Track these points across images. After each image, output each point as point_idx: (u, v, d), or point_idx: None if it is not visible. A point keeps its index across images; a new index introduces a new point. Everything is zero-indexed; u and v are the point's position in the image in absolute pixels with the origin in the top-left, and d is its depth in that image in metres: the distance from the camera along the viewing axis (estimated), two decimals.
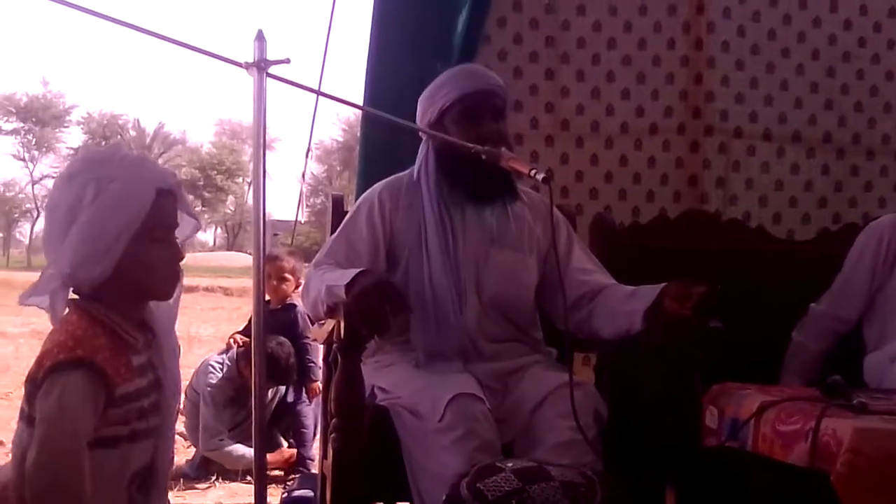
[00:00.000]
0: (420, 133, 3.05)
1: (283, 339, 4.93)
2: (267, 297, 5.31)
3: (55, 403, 1.99)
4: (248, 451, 4.82)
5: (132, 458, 2.13)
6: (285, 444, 5.27)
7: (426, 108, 3.00)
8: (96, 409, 2.02)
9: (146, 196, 2.10)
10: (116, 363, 2.07)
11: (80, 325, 2.08)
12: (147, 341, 2.20)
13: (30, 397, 2.05)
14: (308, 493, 4.13)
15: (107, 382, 2.03)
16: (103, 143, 59.46)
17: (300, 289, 3.46)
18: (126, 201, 2.08)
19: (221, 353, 5.29)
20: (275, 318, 5.14)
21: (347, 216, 3.03)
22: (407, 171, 3.06)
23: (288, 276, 5.29)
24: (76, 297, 2.13)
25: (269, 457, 4.74)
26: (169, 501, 2.33)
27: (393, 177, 3.07)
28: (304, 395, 5.23)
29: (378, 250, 2.93)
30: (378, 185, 3.05)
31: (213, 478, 4.86)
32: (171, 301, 2.25)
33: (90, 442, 2.02)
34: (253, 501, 2.58)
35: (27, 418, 2.05)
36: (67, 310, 2.12)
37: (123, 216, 2.07)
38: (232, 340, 5.31)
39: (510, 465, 2.02)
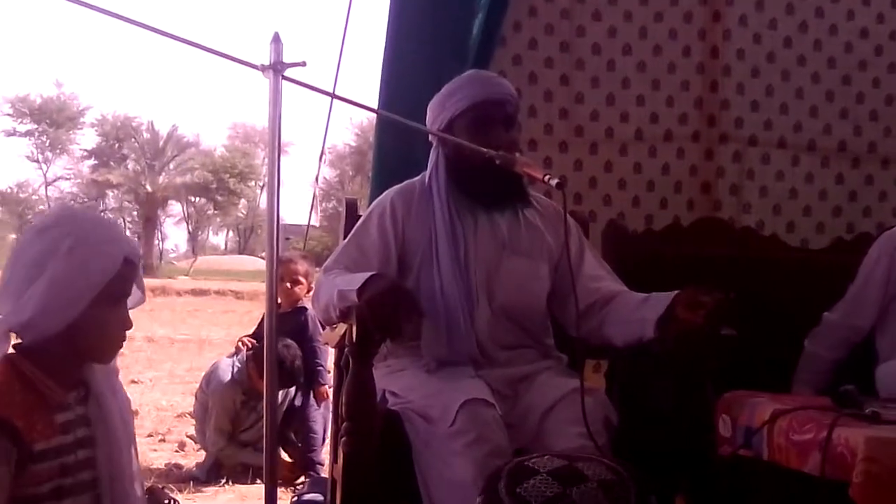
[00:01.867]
0: (431, 138, 3.05)
1: (289, 341, 4.92)
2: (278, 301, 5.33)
3: None
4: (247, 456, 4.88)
5: None
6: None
7: (436, 114, 2.99)
8: (9, 466, 2.02)
9: (115, 263, 2.14)
10: (32, 420, 2.07)
11: None
12: (79, 398, 2.21)
13: None
14: (318, 496, 4.14)
15: (18, 440, 2.03)
16: (117, 145, 59.63)
17: (311, 293, 3.46)
18: (97, 261, 2.11)
19: (230, 356, 5.30)
20: (284, 321, 5.14)
21: (359, 222, 3.03)
22: (419, 177, 3.05)
23: (301, 279, 5.29)
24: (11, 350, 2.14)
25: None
26: None
27: (405, 182, 3.06)
28: (311, 398, 5.23)
29: (389, 256, 2.93)
30: (390, 191, 3.04)
31: (223, 480, 4.86)
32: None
33: (13, 499, 2.02)
34: None
35: None
36: None
37: (93, 275, 2.10)
38: (240, 343, 5.32)
39: (542, 465, 2.00)
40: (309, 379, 5.18)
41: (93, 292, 2.10)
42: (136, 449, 2.34)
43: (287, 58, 2.51)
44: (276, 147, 2.55)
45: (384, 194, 3.04)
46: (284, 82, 2.51)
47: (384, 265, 2.89)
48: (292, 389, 5.15)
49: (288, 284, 5.25)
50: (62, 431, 2.13)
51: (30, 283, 2.08)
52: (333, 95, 3.13)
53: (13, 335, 2.13)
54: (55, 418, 2.12)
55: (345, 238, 3.08)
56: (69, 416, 2.16)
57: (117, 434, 2.23)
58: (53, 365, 2.14)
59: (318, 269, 4.07)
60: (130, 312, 2.26)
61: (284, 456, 5.04)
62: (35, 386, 2.11)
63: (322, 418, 5.17)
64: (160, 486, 4.28)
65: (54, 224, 2.16)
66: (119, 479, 2.22)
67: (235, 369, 5.12)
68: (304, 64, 2.50)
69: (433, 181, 2.96)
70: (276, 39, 2.49)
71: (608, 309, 2.93)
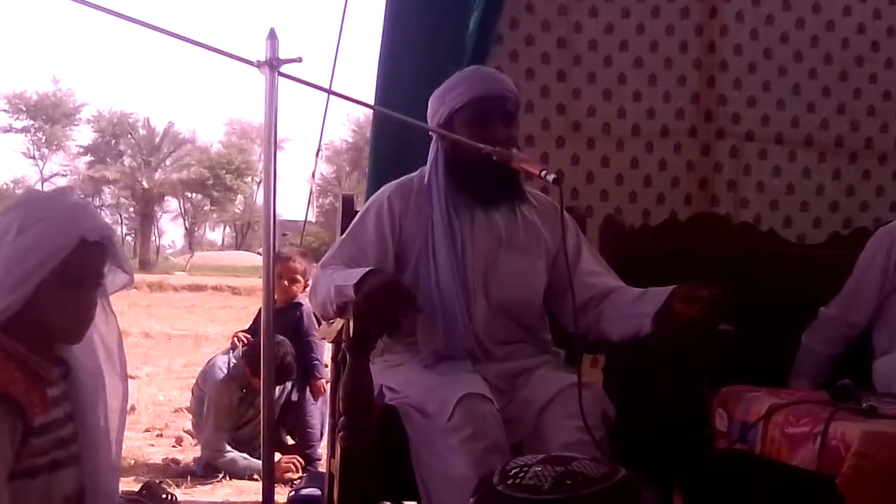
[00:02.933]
0: (430, 133, 3.05)
1: (281, 338, 4.89)
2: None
3: None
4: (251, 462, 4.83)
5: (57, 485, 2.17)
6: (291, 442, 5.27)
7: (437, 108, 2.99)
8: (13, 441, 2.06)
9: (66, 243, 2.14)
10: (31, 394, 2.10)
11: None
12: (62, 374, 2.24)
13: None
14: (315, 491, 4.14)
15: (24, 415, 2.07)
16: (113, 141, 59.57)
17: (308, 289, 3.46)
18: (43, 243, 2.13)
19: (226, 351, 5.29)
20: (279, 317, 5.09)
21: (356, 218, 3.03)
22: (417, 173, 3.05)
23: (299, 277, 5.29)
24: None
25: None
26: None
27: (403, 178, 3.07)
28: (308, 393, 5.22)
29: (386, 252, 2.93)
30: (387, 187, 3.04)
31: (221, 475, 4.86)
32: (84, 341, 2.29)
33: (11, 473, 2.06)
34: (260, 499, 2.58)
35: None
36: None
37: (37, 257, 2.12)
38: (236, 339, 5.31)
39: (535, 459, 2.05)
40: (305, 374, 5.17)
41: (43, 272, 2.11)
42: (118, 426, 2.37)
43: (283, 54, 2.51)
44: (271, 143, 2.56)
45: (381, 190, 3.04)
46: (281, 78, 2.51)
47: (381, 261, 2.90)
48: (288, 385, 5.14)
49: (286, 282, 5.25)
50: (55, 405, 2.17)
51: None
52: (330, 91, 3.13)
53: None
54: (47, 392, 2.16)
55: (342, 233, 3.08)
56: (56, 391, 2.20)
57: (92, 412, 2.26)
58: (32, 342, 2.17)
59: (315, 264, 4.07)
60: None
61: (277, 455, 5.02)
62: (26, 362, 2.14)
63: (319, 413, 5.17)
64: (157, 482, 4.28)
65: (12, 208, 2.21)
66: (93, 454, 2.25)
67: (231, 365, 5.11)
68: (299, 60, 2.51)
69: (432, 176, 2.97)
70: (272, 35, 2.49)
71: (605, 304, 2.94)
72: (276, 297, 5.07)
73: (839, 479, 2.09)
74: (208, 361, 5.29)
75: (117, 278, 2.30)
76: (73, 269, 2.16)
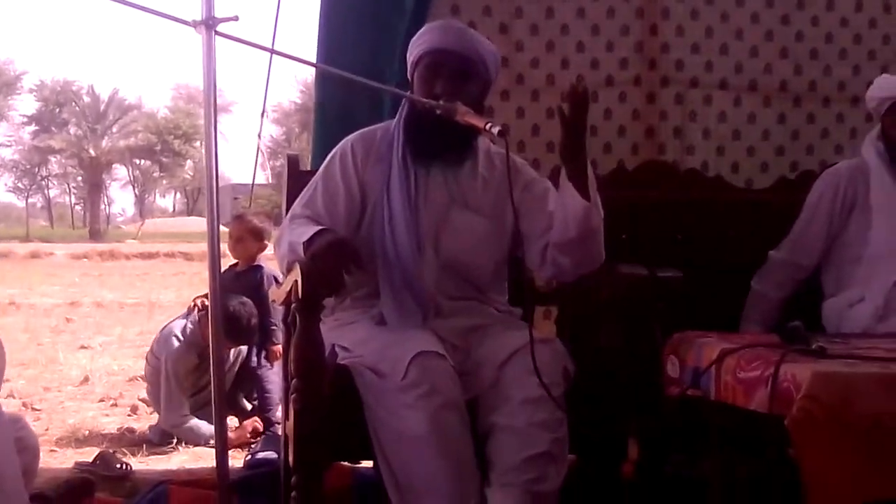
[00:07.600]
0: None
1: (245, 298, 4.87)
2: (235, 260, 5.30)
3: None
4: (211, 429, 4.78)
5: None
6: (249, 407, 5.23)
7: (409, 54, 3.00)
8: None
9: None
10: None
11: None
12: None
13: None
14: (272, 454, 4.12)
15: None
16: (57, 110, 58.79)
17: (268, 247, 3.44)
18: None
19: (183, 316, 5.21)
20: (240, 279, 5.10)
21: (322, 166, 3.02)
22: (382, 124, 3.05)
23: (245, 235, 5.24)
24: None
25: (234, 433, 4.71)
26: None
27: (367, 129, 3.06)
28: (264, 358, 5.18)
29: (353, 199, 2.93)
30: (351, 136, 3.04)
31: (175, 442, 4.83)
32: None
33: None
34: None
35: None
36: None
37: None
38: (193, 304, 5.23)
39: None
40: (263, 339, 5.13)
41: None
42: None
43: (221, 13, 2.46)
44: (211, 104, 2.52)
45: (345, 140, 3.04)
46: (223, 40, 2.47)
47: (350, 207, 2.92)
48: (244, 350, 5.10)
49: (234, 241, 5.21)
50: None
51: None
52: (271, 50, 3.08)
53: None
54: None
55: (288, 194, 3.05)
56: None
57: None
58: None
59: (276, 228, 4.01)
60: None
61: (235, 422, 4.99)
62: None
63: (276, 377, 5.12)
64: (111, 452, 4.25)
65: None
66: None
67: (188, 331, 5.04)
68: (236, 18, 2.47)
69: (396, 127, 2.96)
70: None
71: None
72: (235, 258, 5.10)
73: (787, 421, 2.11)
74: (163, 328, 5.21)
75: None
76: None
